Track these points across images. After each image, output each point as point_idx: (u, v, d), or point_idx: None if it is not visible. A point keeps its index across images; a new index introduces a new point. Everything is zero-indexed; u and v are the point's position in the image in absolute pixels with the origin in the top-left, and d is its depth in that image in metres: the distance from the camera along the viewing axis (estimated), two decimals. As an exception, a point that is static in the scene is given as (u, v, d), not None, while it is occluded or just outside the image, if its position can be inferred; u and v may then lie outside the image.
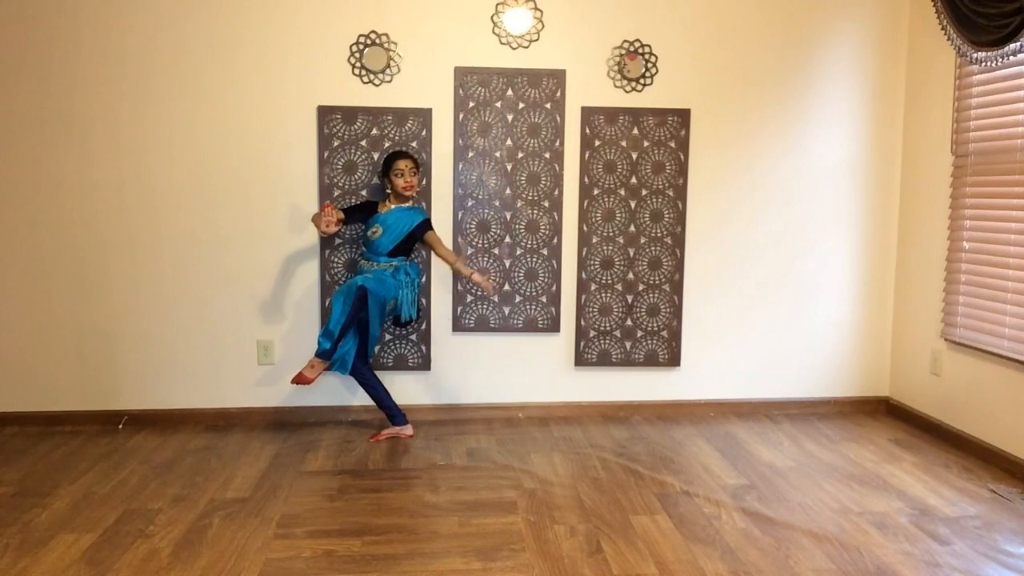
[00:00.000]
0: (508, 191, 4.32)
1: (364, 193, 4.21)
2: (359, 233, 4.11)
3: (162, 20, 4.06)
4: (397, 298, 3.92)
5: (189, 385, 4.27)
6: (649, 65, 4.32)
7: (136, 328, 4.21)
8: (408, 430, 4.08)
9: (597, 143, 4.34)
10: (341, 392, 4.31)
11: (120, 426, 4.20)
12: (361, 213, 3.99)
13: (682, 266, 4.45)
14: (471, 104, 4.25)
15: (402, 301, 3.93)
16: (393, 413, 4.06)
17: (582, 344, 4.45)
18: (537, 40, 4.26)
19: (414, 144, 4.23)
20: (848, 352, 4.61)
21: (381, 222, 3.92)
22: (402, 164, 3.91)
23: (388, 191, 3.99)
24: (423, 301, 4.30)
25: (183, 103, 4.12)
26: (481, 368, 4.41)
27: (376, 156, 4.19)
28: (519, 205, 4.34)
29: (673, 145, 4.37)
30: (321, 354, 3.80)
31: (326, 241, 4.21)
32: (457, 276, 4.30)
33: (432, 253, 4.14)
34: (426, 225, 4.00)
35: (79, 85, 4.06)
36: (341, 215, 3.83)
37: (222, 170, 4.17)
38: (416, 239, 3.99)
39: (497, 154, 4.30)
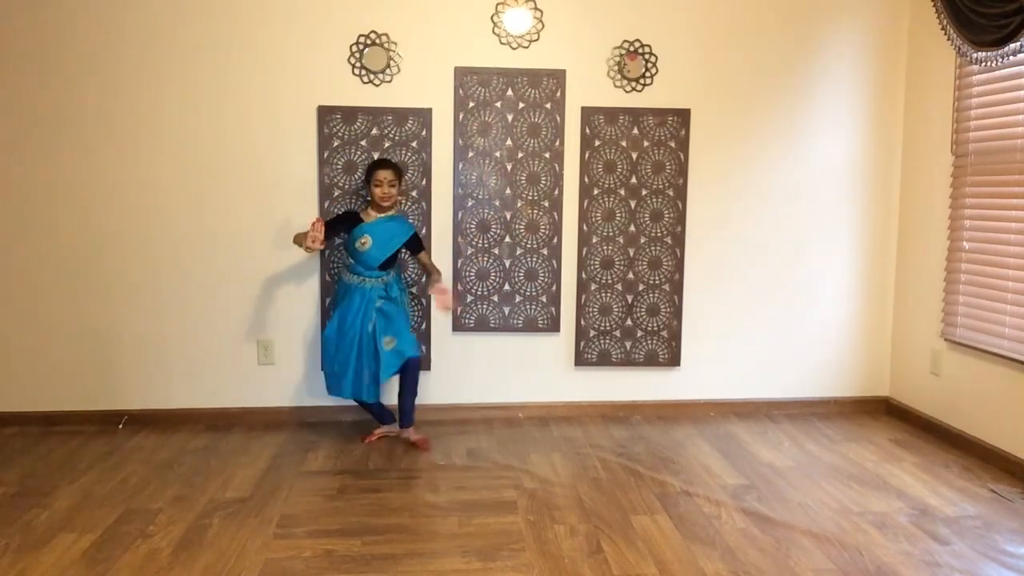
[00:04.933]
0: (508, 191, 4.32)
1: (364, 193, 4.20)
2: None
3: (160, 20, 4.06)
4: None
5: (189, 385, 4.27)
6: (649, 65, 4.32)
7: (136, 328, 4.21)
8: (395, 428, 4.09)
9: (597, 143, 4.34)
10: (341, 392, 4.31)
11: (120, 426, 4.20)
12: (344, 224, 3.89)
13: (682, 266, 4.45)
14: (471, 104, 4.25)
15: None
16: (381, 414, 4.07)
17: (582, 344, 4.45)
18: (537, 40, 4.26)
19: (414, 144, 4.23)
20: (848, 352, 4.61)
21: (370, 232, 3.84)
22: (382, 175, 3.83)
23: (368, 199, 3.94)
24: (423, 302, 4.30)
25: (183, 103, 4.11)
26: (481, 368, 4.41)
27: (376, 156, 4.19)
28: (519, 205, 4.34)
29: (673, 145, 4.37)
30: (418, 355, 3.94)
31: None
32: (456, 276, 4.32)
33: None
34: (417, 242, 3.99)
35: (76, 86, 4.05)
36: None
37: (222, 170, 4.17)
38: (404, 250, 3.98)
39: (497, 154, 4.30)
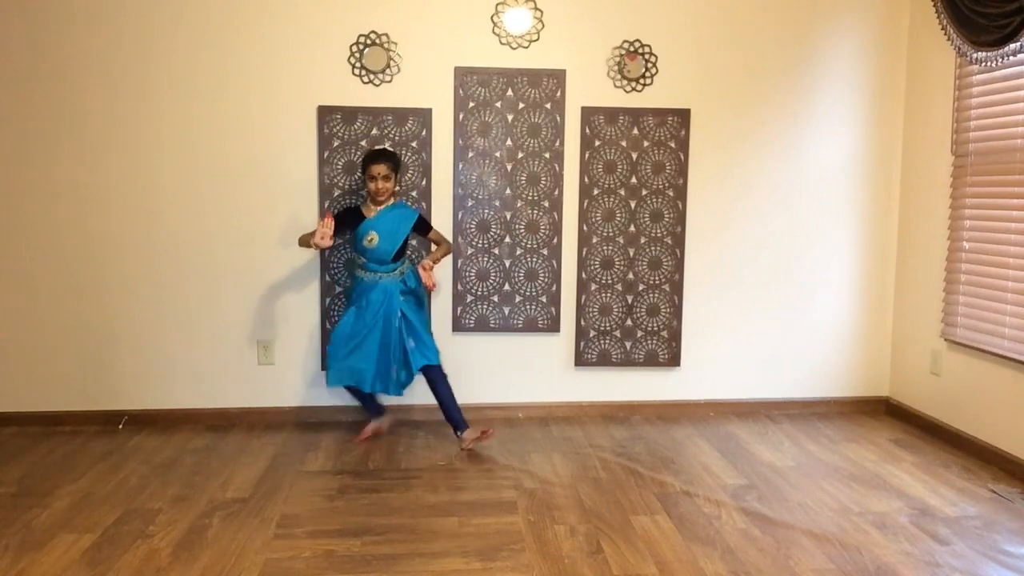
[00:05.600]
0: (508, 191, 4.32)
1: (364, 193, 4.20)
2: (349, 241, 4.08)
3: (160, 20, 4.06)
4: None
5: (189, 385, 4.27)
6: (649, 65, 4.32)
7: (136, 328, 4.21)
8: (385, 421, 4.11)
9: (597, 143, 4.34)
10: (341, 392, 4.30)
11: (120, 426, 4.20)
12: (347, 222, 3.87)
13: (682, 266, 4.45)
14: (471, 104, 4.25)
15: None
16: (374, 405, 4.09)
17: (582, 344, 4.45)
18: (537, 40, 4.26)
19: (414, 144, 4.23)
20: (848, 352, 4.61)
21: (374, 228, 3.83)
22: (375, 169, 3.79)
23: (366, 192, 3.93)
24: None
25: (183, 103, 4.11)
26: (481, 368, 4.41)
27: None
28: (519, 205, 4.34)
29: (673, 145, 4.37)
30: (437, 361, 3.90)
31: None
32: (456, 276, 4.32)
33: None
34: (424, 223, 3.98)
35: (76, 86, 4.05)
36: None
37: (222, 170, 4.17)
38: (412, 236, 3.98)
39: (497, 154, 4.30)
